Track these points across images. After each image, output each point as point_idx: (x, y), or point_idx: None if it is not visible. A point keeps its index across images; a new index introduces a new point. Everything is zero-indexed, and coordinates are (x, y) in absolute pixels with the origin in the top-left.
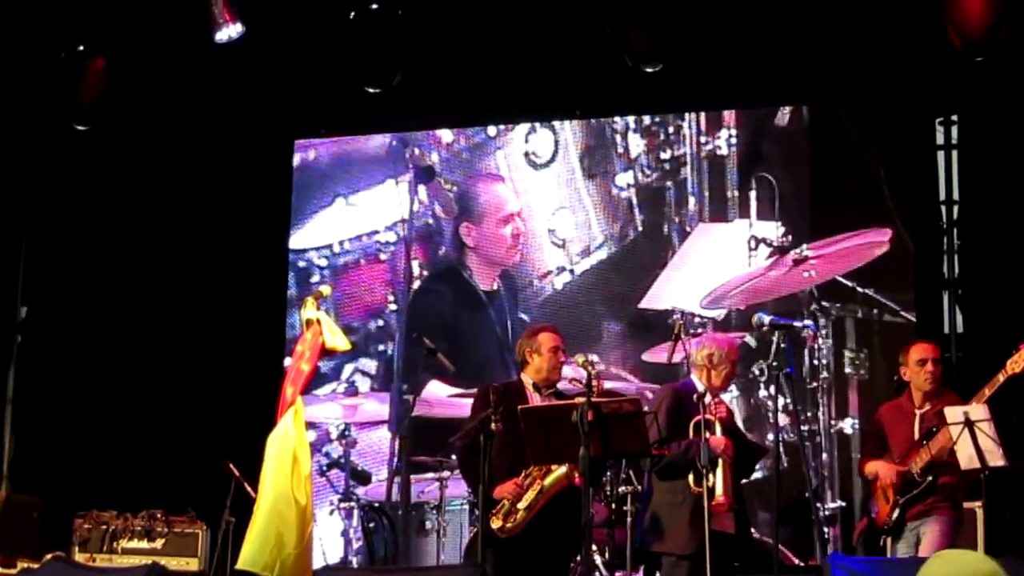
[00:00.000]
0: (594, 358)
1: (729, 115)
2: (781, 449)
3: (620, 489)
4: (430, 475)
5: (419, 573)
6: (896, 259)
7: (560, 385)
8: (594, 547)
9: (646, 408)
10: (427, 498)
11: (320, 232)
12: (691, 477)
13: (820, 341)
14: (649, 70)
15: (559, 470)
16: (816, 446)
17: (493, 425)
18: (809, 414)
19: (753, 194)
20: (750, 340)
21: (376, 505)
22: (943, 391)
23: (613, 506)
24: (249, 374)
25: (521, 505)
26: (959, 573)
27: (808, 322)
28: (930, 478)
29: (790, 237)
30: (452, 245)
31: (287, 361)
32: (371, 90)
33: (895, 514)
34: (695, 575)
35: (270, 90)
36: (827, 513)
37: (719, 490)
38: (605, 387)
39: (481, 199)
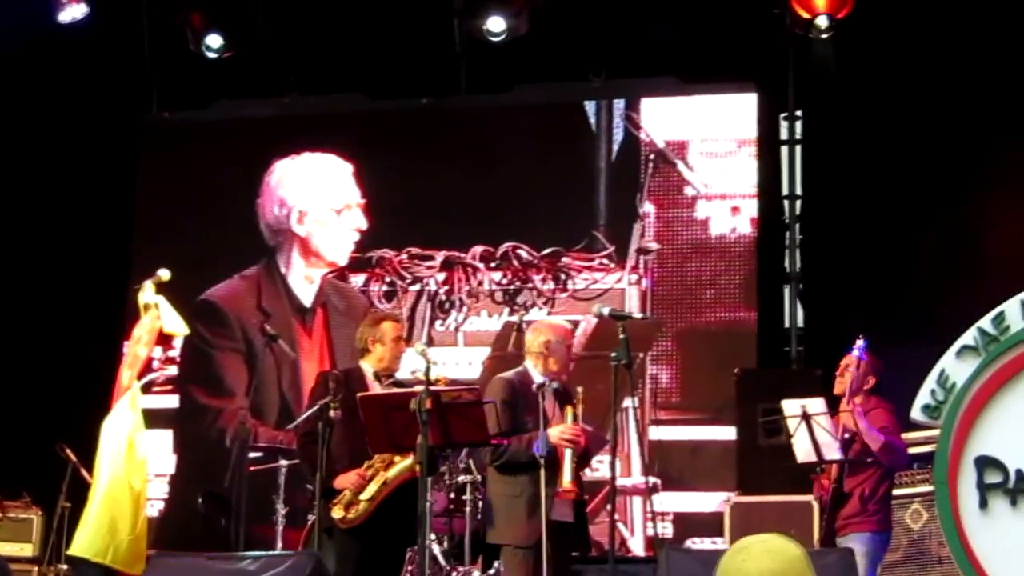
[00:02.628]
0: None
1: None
2: (618, 441)
3: (460, 478)
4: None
5: (253, 560)
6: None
7: (399, 376)
8: (432, 536)
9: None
10: (269, 485)
11: (166, 214)
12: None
13: (660, 334)
14: (495, 40)
15: (403, 462)
16: (654, 442)
17: (332, 412)
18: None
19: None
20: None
21: (216, 492)
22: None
23: (452, 495)
24: (86, 358)
25: (364, 496)
26: (765, 568)
27: (648, 314)
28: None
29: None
30: (285, 231)
31: (125, 345)
32: (211, 55)
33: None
34: (533, 564)
35: (115, 69)
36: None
37: (567, 478)
38: (445, 377)
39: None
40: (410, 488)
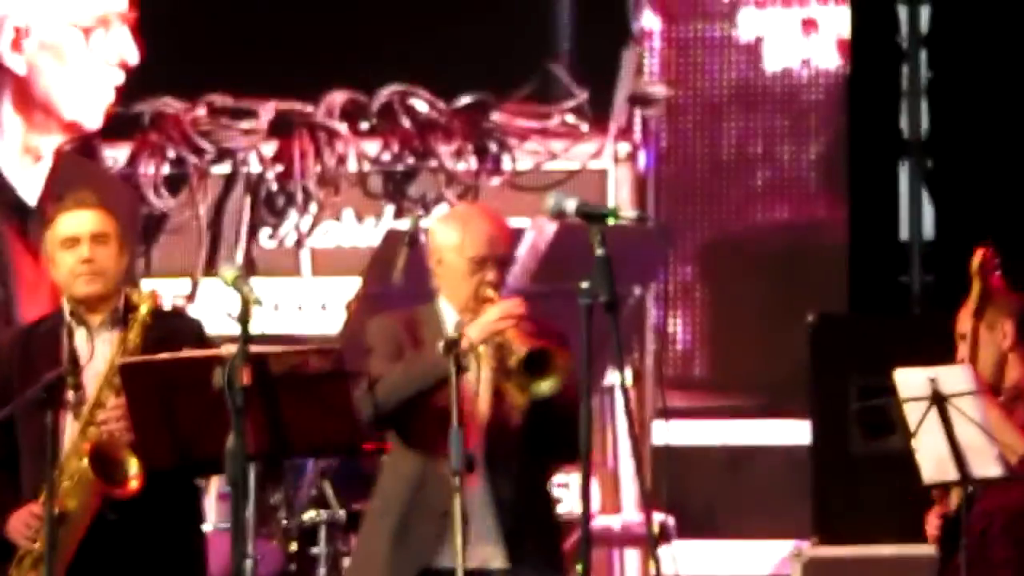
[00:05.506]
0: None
1: None
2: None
3: (307, 516)
4: None
5: None
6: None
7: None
8: None
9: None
10: None
11: None
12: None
13: (671, 251)
14: None
15: (82, 477)
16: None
17: (71, 395)
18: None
19: None
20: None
21: None
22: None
23: (294, 548)
24: None
25: (38, 548)
26: None
27: (642, 212)
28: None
29: None
30: None
31: None
32: None
33: None
34: None
35: None
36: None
37: (482, 406)
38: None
39: None
40: (138, 533)
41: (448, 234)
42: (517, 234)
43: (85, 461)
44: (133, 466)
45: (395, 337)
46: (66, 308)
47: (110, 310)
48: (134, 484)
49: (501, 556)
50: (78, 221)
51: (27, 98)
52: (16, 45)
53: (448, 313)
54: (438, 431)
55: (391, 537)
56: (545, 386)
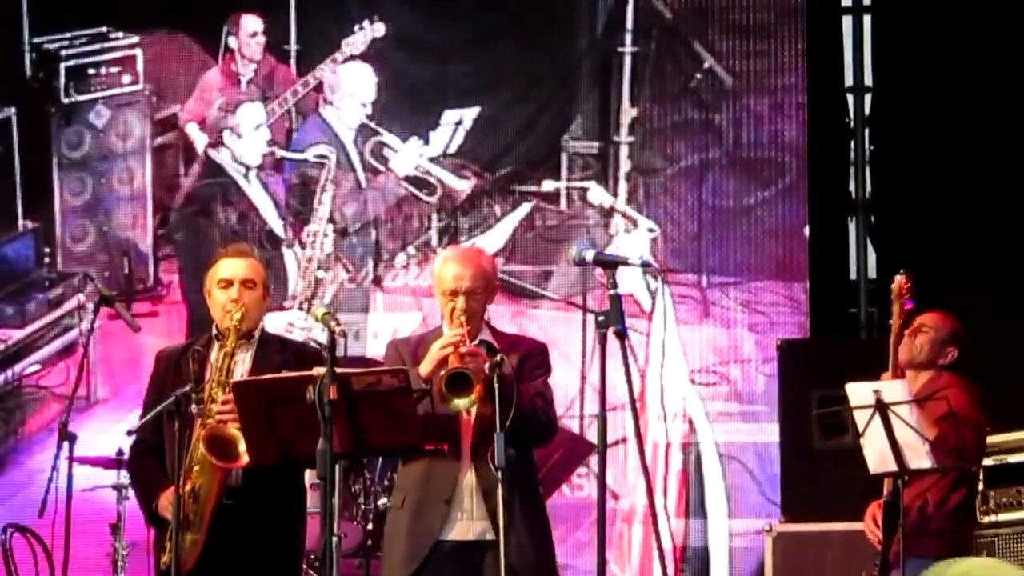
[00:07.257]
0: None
1: None
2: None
3: (381, 502)
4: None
5: None
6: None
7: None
8: None
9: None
10: (106, 514)
11: None
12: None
13: (660, 285)
14: None
15: (204, 460)
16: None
17: (194, 408)
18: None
19: None
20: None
21: (25, 525)
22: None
23: (370, 527)
24: None
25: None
26: None
27: (647, 258)
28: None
29: None
30: None
31: None
32: None
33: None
34: None
35: None
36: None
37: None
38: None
39: None
40: (258, 502)
41: (433, 274)
42: (485, 269)
43: (203, 446)
44: (243, 443)
45: (398, 361)
46: (213, 332)
47: (247, 337)
48: (245, 459)
49: (490, 529)
50: (233, 267)
51: None
52: None
53: (447, 332)
54: (436, 435)
55: (408, 522)
56: (459, 403)
